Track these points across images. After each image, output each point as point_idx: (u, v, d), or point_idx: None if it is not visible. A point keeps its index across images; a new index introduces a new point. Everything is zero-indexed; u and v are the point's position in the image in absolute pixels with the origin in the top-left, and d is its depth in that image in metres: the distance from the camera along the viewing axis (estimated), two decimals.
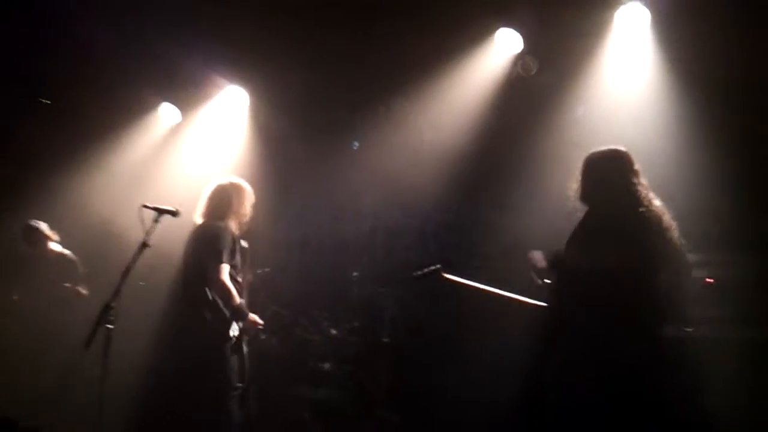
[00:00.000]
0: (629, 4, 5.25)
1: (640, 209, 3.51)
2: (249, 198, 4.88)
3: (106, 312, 3.97)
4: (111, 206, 6.25)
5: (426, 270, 4.44)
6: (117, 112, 6.54)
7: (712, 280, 4.72)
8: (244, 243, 4.82)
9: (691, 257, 4.76)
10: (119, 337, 3.99)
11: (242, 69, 6.43)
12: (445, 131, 6.09)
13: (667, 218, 3.58)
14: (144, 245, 4.21)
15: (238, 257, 4.75)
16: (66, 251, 5.94)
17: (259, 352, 4.90)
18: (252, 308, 4.81)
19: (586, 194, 3.72)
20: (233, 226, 4.75)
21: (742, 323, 4.49)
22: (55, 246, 5.95)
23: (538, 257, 3.90)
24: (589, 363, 3.35)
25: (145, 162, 6.64)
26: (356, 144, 6.83)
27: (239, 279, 4.76)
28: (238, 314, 4.62)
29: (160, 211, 4.39)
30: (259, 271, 5.15)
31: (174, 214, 4.42)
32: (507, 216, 6.14)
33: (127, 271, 4.10)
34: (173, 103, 6.74)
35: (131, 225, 4.40)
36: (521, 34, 5.72)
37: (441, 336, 6.01)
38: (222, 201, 4.78)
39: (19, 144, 6.53)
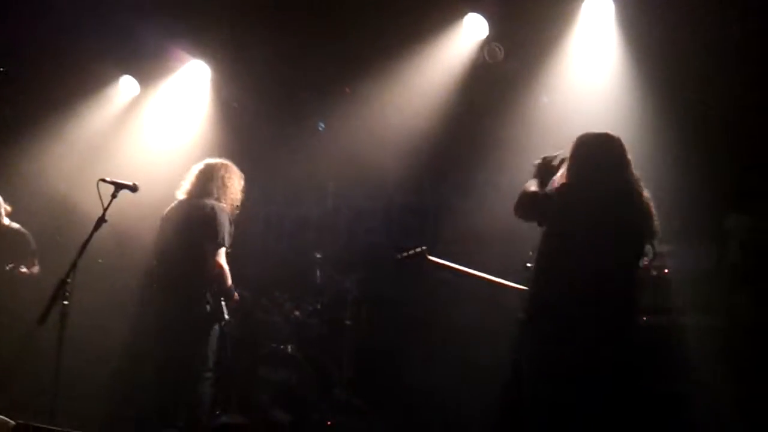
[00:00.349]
0: None
1: (635, 197, 3.47)
2: (240, 180, 4.79)
3: (61, 288, 3.87)
4: (68, 179, 6.07)
5: (411, 252, 4.31)
6: (75, 82, 6.33)
7: (667, 271, 4.84)
8: None
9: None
10: (75, 313, 3.90)
11: (205, 43, 6.30)
12: (411, 115, 6.09)
13: (653, 209, 3.53)
14: (101, 220, 4.11)
15: None
16: (16, 225, 5.77)
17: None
18: None
19: (574, 174, 3.55)
20: (227, 207, 4.67)
21: (698, 312, 4.62)
22: (6, 220, 5.78)
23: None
24: (574, 351, 3.26)
25: (104, 135, 6.46)
26: (322, 125, 6.77)
27: None
28: (228, 295, 4.58)
29: (118, 186, 4.29)
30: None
31: (132, 189, 4.32)
32: (470, 201, 6.20)
33: (83, 247, 4.00)
34: (133, 75, 6.56)
35: (88, 199, 4.29)
36: (488, 21, 5.74)
37: (405, 319, 6.04)
38: (213, 180, 4.68)
39: None
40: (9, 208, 5.78)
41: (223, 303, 4.58)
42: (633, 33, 5.26)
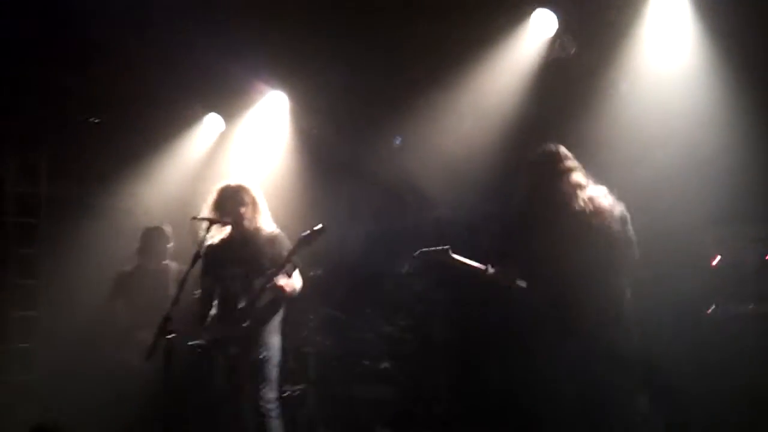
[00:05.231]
0: None
1: (575, 208, 3.74)
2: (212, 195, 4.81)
3: (166, 323, 4.02)
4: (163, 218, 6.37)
5: (432, 249, 4.49)
6: (164, 124, 6.67)
7: None
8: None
9: (751, 231, 4.65)
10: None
11: (281, 73, 6.47)
12: (486, 119, 6.03)
13: (617, 211, 3.80)
14: (197, 256, 4.31)
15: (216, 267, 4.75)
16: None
17: (315, 354, 4.97)
18: (302, 312, 4.92)
19: (525, 199, 3.97)
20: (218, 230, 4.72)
21: None
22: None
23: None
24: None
25: (195, 172, 6.75)
26: (399, 139, 6.80)
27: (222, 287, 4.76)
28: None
29: (211, 222, 4.52)
30: (311, 274, 5.22)
31: (224, 224, 4.54)
32: None
33: (183, 282, 4.20)
34: (218, 112, 6.83)
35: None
36: (557, 14, 5.61)
37: (497, 333, 5.93)
38: None
39: (76, 163, 6.72)
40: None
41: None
42: (708, 10, 5.01)
